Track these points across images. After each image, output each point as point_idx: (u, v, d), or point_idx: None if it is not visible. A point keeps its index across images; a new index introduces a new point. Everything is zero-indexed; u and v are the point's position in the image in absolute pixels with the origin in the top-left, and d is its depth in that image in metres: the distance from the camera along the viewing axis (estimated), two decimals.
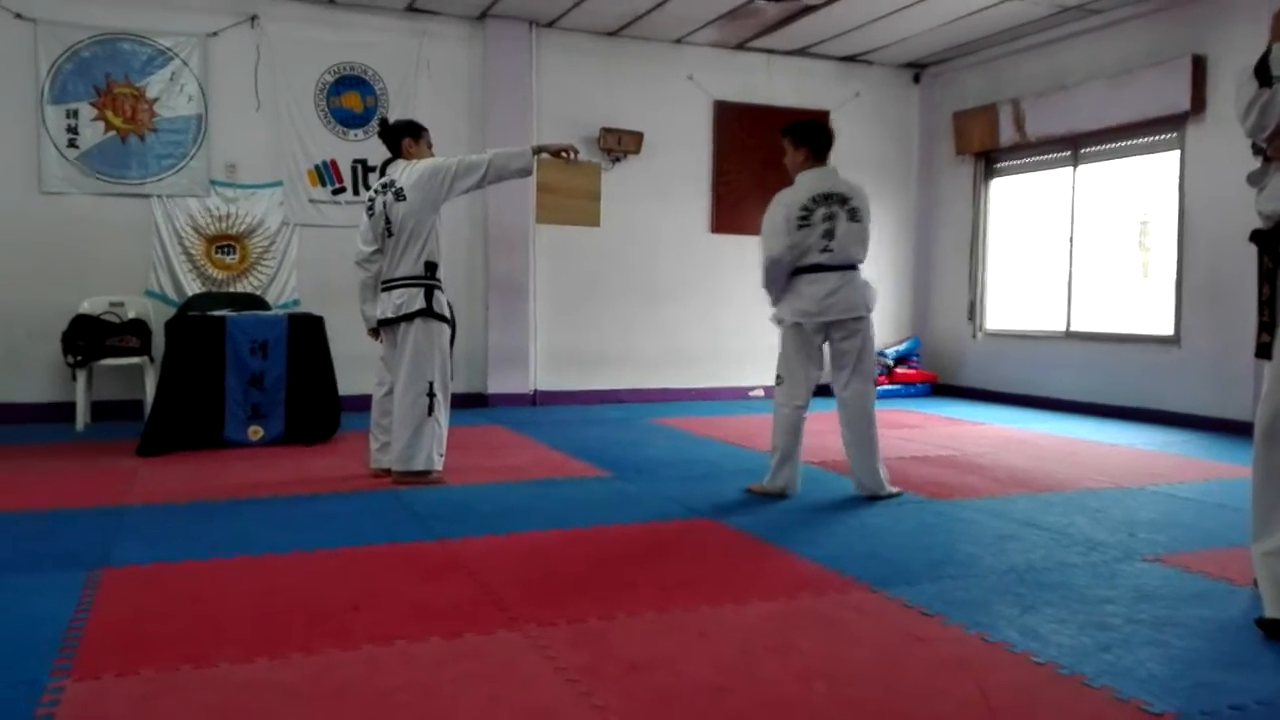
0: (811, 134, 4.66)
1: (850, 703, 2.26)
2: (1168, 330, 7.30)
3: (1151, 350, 7.41)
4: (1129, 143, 7.62)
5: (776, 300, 4.68)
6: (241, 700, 2.22)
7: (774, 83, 8.85)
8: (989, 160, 8.95)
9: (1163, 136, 7.34)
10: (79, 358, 6.36)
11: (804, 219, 4.46)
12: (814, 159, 4.60)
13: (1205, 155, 6.97)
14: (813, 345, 4.59)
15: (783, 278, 4.58)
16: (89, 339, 6.43)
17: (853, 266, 4.55)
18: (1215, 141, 6.88)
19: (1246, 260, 6.97)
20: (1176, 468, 5.44)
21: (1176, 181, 7.21)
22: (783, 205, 4.53)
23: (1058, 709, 2.23)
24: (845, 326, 4.53)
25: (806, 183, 4.55)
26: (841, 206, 4.49)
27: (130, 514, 4.08)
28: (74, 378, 6.43)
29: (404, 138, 4.84)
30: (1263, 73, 2.81)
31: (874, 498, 4.52)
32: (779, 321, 4.66)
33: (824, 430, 5.98)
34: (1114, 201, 7.94)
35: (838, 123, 8.58)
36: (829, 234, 4.47)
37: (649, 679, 2.38)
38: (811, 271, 4.52)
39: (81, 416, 6.40)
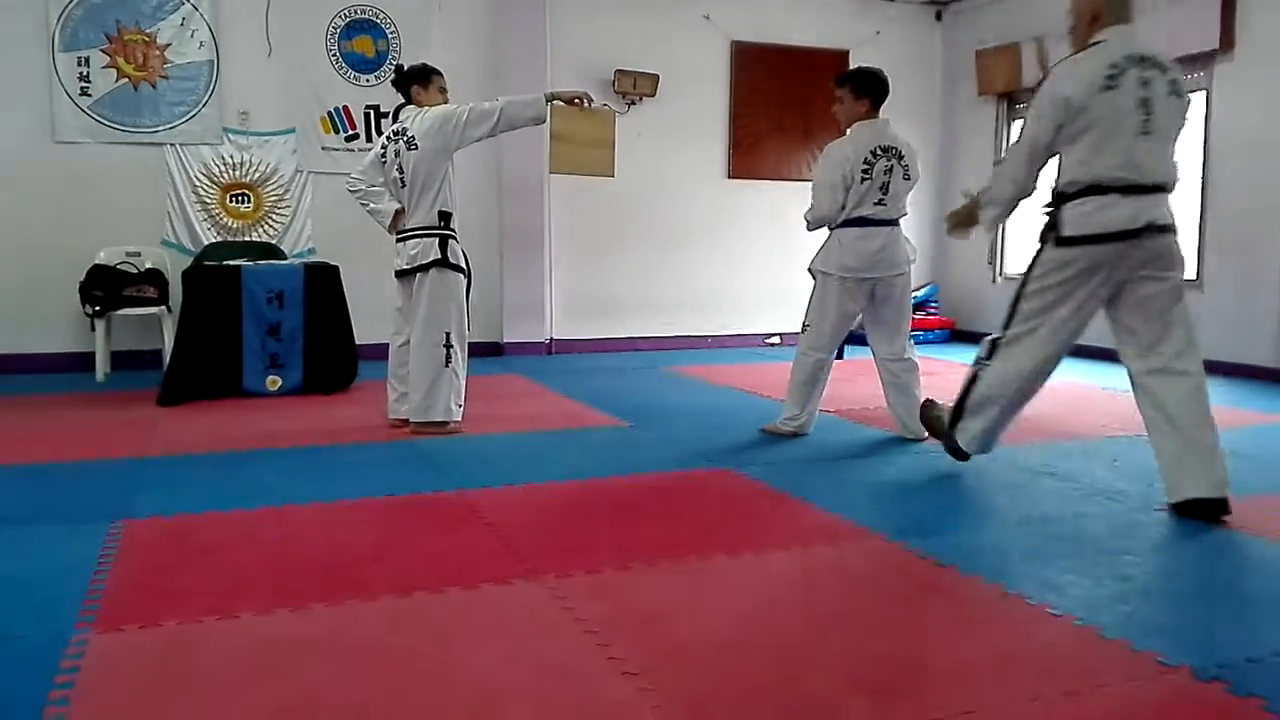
0: (874, 84, 4.56)
1: (865, 654, 2.27)
2: (1189, 274, 7.20)
3: None
4: None
5: (813, 229, 4.71)
6: (263, 652, 2.25)
7: (792, 22, 8.68)
8: (1011, 101, 8.78)
9: (1189, 76, 7.17)
10: (97, 308, 6.39)
11: (866, 172, 4.42)
12: (873, 111, 4.54)
13: (1233, 95, 6.81)
14: (852, 299, 4.59)
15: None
16: (106, 289, 6.44)
17: (897, 222, 4.55)
18: (1244, 81, 6.73)
19: (1272, 203, 6.85)
20: None
21: (1202, 123, 7.06)
22: (843, 159, 4.47)
23: (1073, 661, 2.23)
24: (888, 283, 4.56)
25: (865, 134, 4.49)
26: (898, 161, 4.48)
27: (151, 465, 4.12)
28: (93, 328, 6.46)
29: (413, 85, 4.78)
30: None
31: (916, 440, 4.60)
32: (820, 272, 4.64)
33: (842, 379, 5.96)
34: None
35: (857, 62, 8.37)
36: (884, 188, 4.46)
37: (666, 630, 2.40)
38: (859, 225, 4.49)
39: (101, 366, 6.45)
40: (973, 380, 3.72)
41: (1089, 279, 3.40)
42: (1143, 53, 3.40)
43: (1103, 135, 3.33)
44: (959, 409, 3.81)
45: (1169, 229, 3.43)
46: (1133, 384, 3.52)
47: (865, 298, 4.60)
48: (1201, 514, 3.32)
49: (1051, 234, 3.45)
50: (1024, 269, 3.58)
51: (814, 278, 4.69)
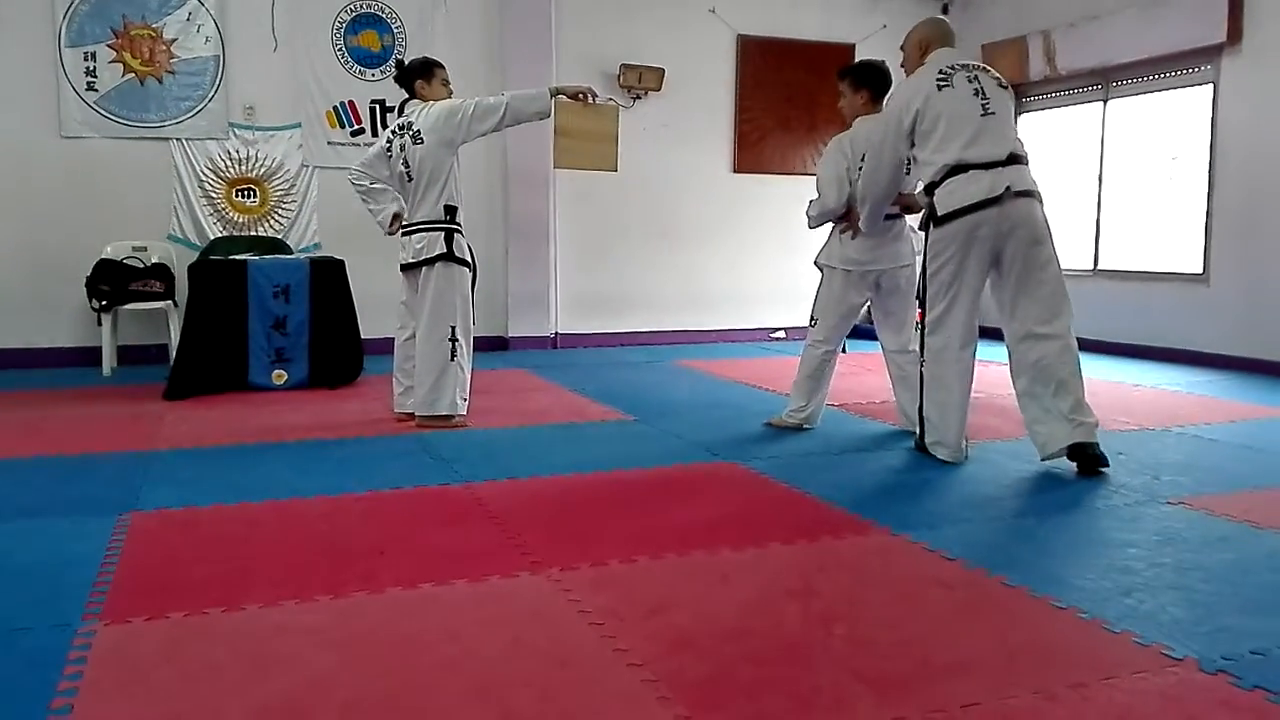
0: (872, 76, 4.62)
1: (870, 646, 2.27)
2: (1196, 268, 7.19)
3: (1180, 288, 7.31)
4: (1161, 76, 7.43)
5: (815, 227, 4.77)
6: (269, 643, 2.26)
7: (798, 15, 8.67)
8: (1018, 94, 8.71)
9: (1196, 69, 7.15)
10: (104, 302, 6.40)
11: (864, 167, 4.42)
12: (874, 103, 4.56)
13: (1240, 89, 6.79)
14: (857, 292, 4.63)
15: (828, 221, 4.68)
16: (113, 284, 6.46)
17: (901, 215, 4.57)
18: (1251, 75, 6.71)
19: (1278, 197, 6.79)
20: (1203, 408, 5.39)
21: (1209, 117, 7.04)
22: (843, 154, 4.53)
23: (1078, 654, 2.23)
24: (892, 275, 4.58)
25: (865, 129, 4.49)
26: None
27: (158, 458, 4.13)
28: (99, 322, 6.48)
29: (416, 79, 4.79)
30: None
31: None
32: (826, 266, 4.68)
33: (848, 373, 5.97)
34: (1144, 137, 7.77)
35: (863, 56, 8.39)
36: None
37: (670, 622, 2.40)
38: None
39: (108, 361, 6.46)
40: (922, 384, 4.13)
41: (971, 247, 3.85)
42: (964, 61, 4.05)
43: (950, 124, 3.86)
44: (921, 421, 4.16)
45: (1029, 193, 3.86)
46: (1008, 353, 3.98)
47: (870, 289, 4.62)
48: (1078, 465, 3.83)
49: (931, 218, 3.93)
50: (921, 260, 4.08)
51: (820, 272, 4.72)
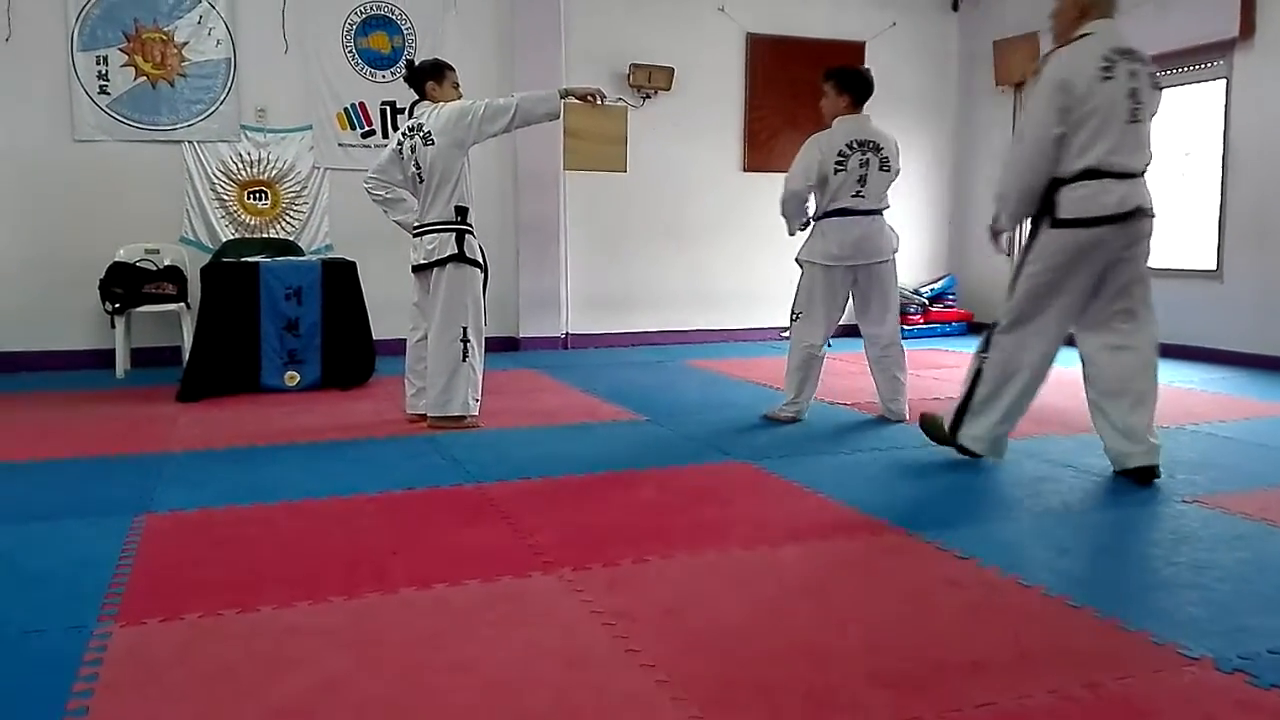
0: (856, 83, 4.79)
1: (883, 646, 2.26)
2: (1210, 265, 7.15)
3: (1193, 285, 7.26)
4: (1173, 71, 7.38)
5: (793, 231, 4.94)
6: (283, 644, 2.27)
7: (808, 13, 8.65)
8: (1029, 89, 8.71)
9: (1209, 64, 7.11)
10: (117, 305, 6.43)
11: (840, 164, 4.62)
12: (854, 107, 4.75)
13: (1253, 84, 6.75)
14: (838, 287, 4.79)
15: (799, 209, 4.83)
16: (126, 286, 6.49)
17: (879, 212, 4.74)
18: (1264, 70, 6.66)
19: None
20: (1217, 406, 5.36)
21: (1222, 112, 7.00)
22: (818, 148, 4.68)
23: (1093, 653, 2.22)
24: (871, 270, 4.76)
25: (843, 129, 4.69)
26: (875, 154, 4.67)
27: (172, 460, 4.15)
28: (112, 325, 6.51)
29: (427, 81, 4.80)
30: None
31: (897, 421, 4.88)
32: (806, 261, 4.83)
33: (857, 372, 5.95)
34: (1157, 133, 7.71)
35: (873, 53, 8.44)
36: (862, 180, 4.65)
37: (683, 622, 2.40)
38: (841, 215, 4.69)
39: (121, 363, 6.49)
40: (976, 377, 3.86)
41: (1082, 261, 3.58)
42: (1127, 46, 3.62)
43: (1100, 123, 3.52)
44: (962, 410, 3.92)
45: (1150, 213, 3.67)
46: (1083, 361, 3.78)
47: (850, 284, 4.78)
48: (1137, 479, 3.67)
49: (1047, 217, 3.61)
50: (1020, 254, 3.75)
51: (801, 268, 4.87)
